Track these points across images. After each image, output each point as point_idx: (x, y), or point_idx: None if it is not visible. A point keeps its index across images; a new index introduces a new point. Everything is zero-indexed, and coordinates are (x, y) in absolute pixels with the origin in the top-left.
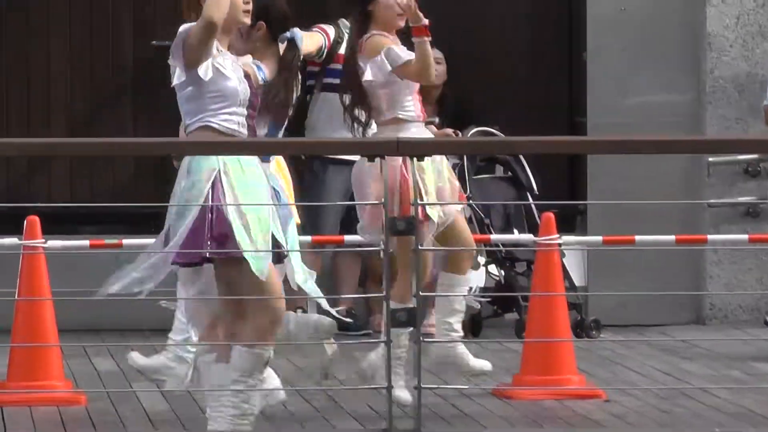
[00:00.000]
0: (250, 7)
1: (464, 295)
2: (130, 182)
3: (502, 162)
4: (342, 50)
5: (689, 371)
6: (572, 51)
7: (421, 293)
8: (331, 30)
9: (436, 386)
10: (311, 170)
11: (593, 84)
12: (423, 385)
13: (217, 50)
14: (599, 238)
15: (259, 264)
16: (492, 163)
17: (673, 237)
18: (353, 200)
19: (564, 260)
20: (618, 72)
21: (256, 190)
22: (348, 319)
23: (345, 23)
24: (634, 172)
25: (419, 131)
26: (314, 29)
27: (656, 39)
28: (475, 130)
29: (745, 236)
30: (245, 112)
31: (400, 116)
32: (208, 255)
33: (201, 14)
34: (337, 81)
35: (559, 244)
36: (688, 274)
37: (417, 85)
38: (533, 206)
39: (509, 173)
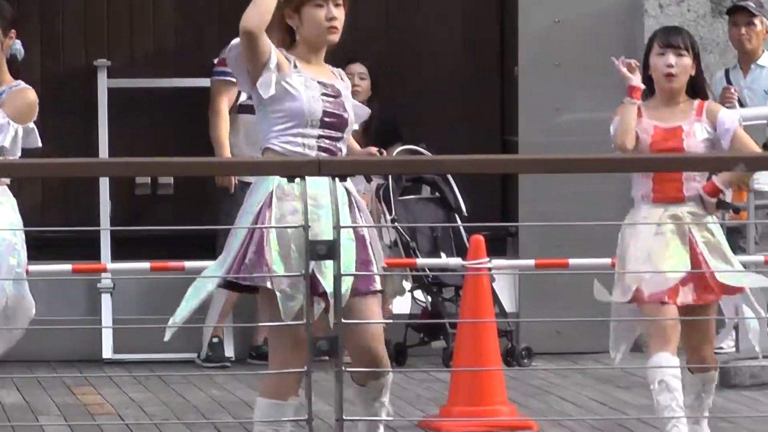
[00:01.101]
0: (335, 23)
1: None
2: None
3: (429, 182)
4: None
5: (625, 401)
6: (504, 66)
7: (343, 320)
8: None
9: (358, 418)
10: (228, 193)
11: (525, 100)
12: (345, 417)
13: (293, 66)
14: (531, 261)
15: (287, 304)
16: (419, 183)
17: (608, 260)
18: None
19: (494, 285)
20: (551, 88)
21: (312, 218)
22: None
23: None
24: (568, 192)
25: None
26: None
27: (592, 52)
28: (402, 148)
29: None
30: (317, 133)
31: None
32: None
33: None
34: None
35: (489, 269)
36: None
37: None
38: (462, 228)
39: (437, 194)
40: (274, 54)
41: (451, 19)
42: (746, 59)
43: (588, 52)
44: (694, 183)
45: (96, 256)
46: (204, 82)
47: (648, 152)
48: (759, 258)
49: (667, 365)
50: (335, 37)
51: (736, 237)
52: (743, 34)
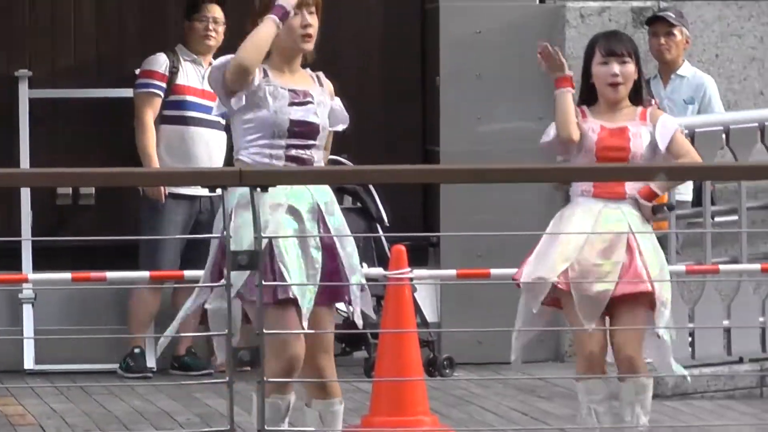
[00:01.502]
0: (309, 31)
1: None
2: None
3: (350, 192)
4: (182, 80)
5: (547, 411)
6: (425, 76)
7: (264, 331)
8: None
9: (279, 428)
10: (149, 202)
11: (447, 110)
12: (267, 428)
13: (264, 75)
14: (453, 271)
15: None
16: (340, 193)
17: None
18: (194, 233)
19: (416, 295)
20: (473, 98)
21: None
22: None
23: (183, 49)
24: (489, 202)
25: None
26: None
27: (513, 63)
28: (235, 156)
29: None
30: (285, 143)
31: None
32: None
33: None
34: (177, 113)
35: (411, 279)
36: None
37: None
38: (383, 238)
39: (358, 204)
40: (258, 76)
41: (372, 29)
42: (666, 69)
43: (509, 63)
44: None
45: (17, 266)
46: (124, 92)
47: (593, 150)
48: (681, 268)
49: (594, 390)
50: (309, 45)
51: None
52: (663, 44)
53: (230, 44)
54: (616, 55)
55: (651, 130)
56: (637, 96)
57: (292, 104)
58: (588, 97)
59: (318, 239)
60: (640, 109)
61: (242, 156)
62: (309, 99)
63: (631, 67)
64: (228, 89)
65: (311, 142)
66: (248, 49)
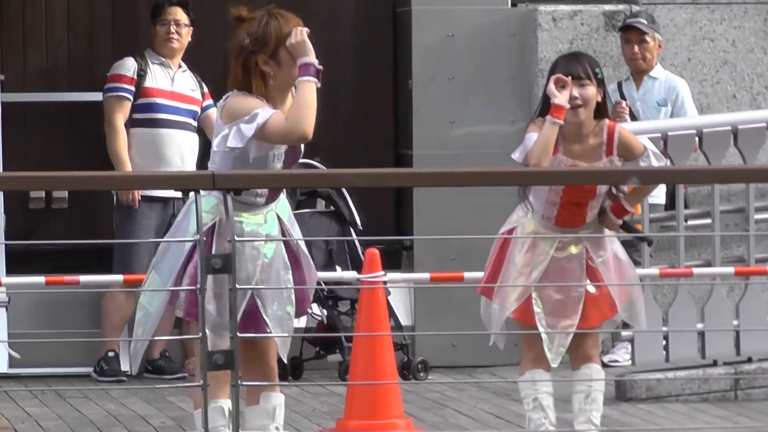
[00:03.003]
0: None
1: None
2: None
3: (324, 196)
4: (150, 83)
5: (521, 414)
6: (397, 79)
7: (239, 334)
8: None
9: None
10: (122, 206)
11: (419, 114)
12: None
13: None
14: (426, 275)
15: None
16: (313, 197)
17: None
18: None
19: (389, 298)
20: (445, 101)
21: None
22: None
23: (151, 53)
24: (462, 205)
25: None
26: None
27: (485, 66)
28: None
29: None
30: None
31: None
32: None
33: (290, 119)
34: (147, 116)
35: (384, 282)
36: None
37: None
38: (357, 242)
39: (331, 207)
40: None
41: (344, 33)
42: (639, 72)
43: (481, 66)
44: (594, 210)
45: None
46: (96, 96)
47: (560, 192)
48: (654, 271)
49: (541, 378)
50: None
51: (629, 251)
52: (636, 52)
53: (196, 46)
54: (574, 78)
55: (617, 161)
56: (600, 113)
57: (286, 158)
58: (547, 113)
59: (286, 259)
60: (605, 128)
61: None
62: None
63: (591, 90)
64: (259, 137)
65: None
66: (307, 117)
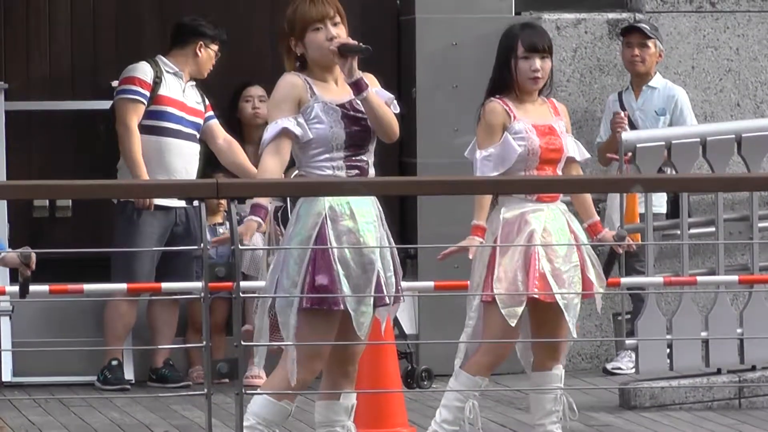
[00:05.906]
0: (334, 44)
1: (284, 344)
2: None
3: None
4: (164, 91)
5: (525, 422)
6: (402, 88)
7: (243, 343)
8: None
9: None
10: (124, 214)
11: (424, 122)
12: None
13: (311, 94)
14: (431, 283)
15: (359, 319)
16: None
17: None
18: (169, 245)
19: None
20: (450, 110)
21: (365, 235)
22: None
23: (164, 61)
24: (467, 214)
25: None
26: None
27: (489, 75)
28: (298, 171)
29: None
30: (343, 155)
31: None
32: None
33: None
34: (157, 123)
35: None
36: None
37: None
38: None
39: None
40: (305, 94)
41: None
42: (638, 81)
43: (486, 74)
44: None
45: None
46: (100, 104)
47: (538, 152)
48: (658, 279)
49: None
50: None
51: (632, 261)
52: (636, 55)
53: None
54: (537, 51)
55: (562, 125)
56: (544, 87)
57: (343, 117)
58: (500, 85)
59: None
60: (546, 101)
61: (306, 170)
62: (358, 109)
63: (549, 63)
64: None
65: (366, 148)
66: (396, 128)
